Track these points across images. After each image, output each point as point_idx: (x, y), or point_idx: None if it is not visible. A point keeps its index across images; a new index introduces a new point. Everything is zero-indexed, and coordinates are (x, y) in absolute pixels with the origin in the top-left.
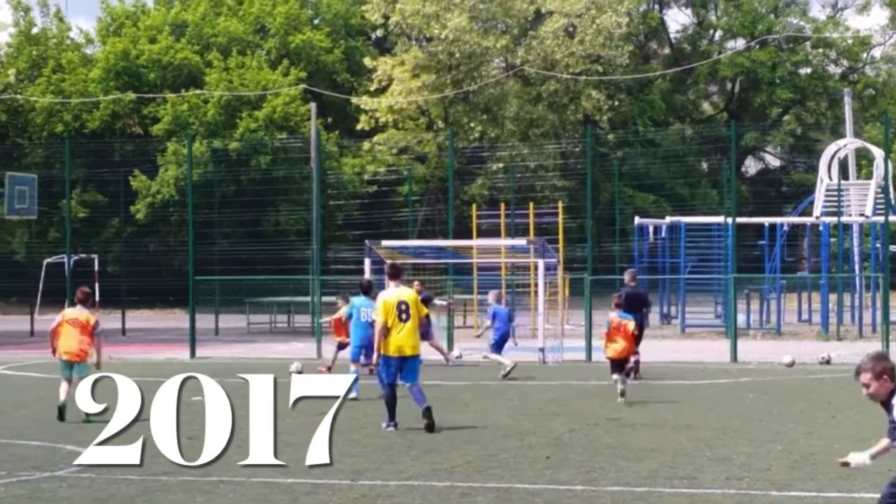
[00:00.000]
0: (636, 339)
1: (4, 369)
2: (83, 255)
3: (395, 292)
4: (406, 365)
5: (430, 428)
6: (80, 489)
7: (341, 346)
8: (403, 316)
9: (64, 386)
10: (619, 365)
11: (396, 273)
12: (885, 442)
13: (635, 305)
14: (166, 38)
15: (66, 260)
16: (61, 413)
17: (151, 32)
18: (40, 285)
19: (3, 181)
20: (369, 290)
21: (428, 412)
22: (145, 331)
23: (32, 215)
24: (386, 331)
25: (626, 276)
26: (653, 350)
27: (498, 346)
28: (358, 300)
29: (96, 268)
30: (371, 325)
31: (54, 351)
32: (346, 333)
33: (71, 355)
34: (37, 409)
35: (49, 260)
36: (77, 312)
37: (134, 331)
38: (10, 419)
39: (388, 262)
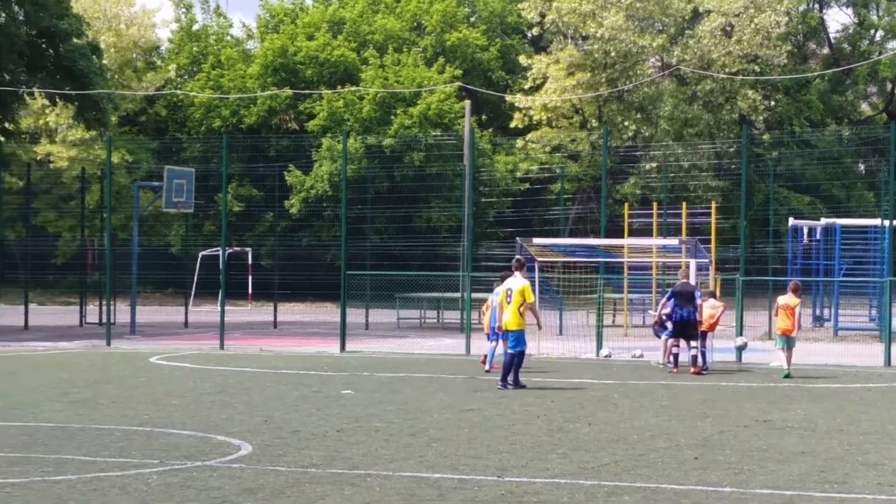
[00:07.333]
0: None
1: (159, 359)
2: (238, 249)
3: None
4: None
5: None
6: (230, 479)
7: None
8: None
9: (782, 355)
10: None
11: None
12: None
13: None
14: (324, 35)
15: (220, 253)
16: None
17: (309, 29)
18: (195, 277)
19: (162, 175)
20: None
21: None
22: (296, 324)
23: (189, 209)
24: None
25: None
26: (805, 352)
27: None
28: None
29: (250, 261)
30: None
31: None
32: None
33: (785, 331)
34: (189, 399)
35: (204, 252)
36: (787, 299)
37: (285, 324)
38: (163, 409)
39: None
